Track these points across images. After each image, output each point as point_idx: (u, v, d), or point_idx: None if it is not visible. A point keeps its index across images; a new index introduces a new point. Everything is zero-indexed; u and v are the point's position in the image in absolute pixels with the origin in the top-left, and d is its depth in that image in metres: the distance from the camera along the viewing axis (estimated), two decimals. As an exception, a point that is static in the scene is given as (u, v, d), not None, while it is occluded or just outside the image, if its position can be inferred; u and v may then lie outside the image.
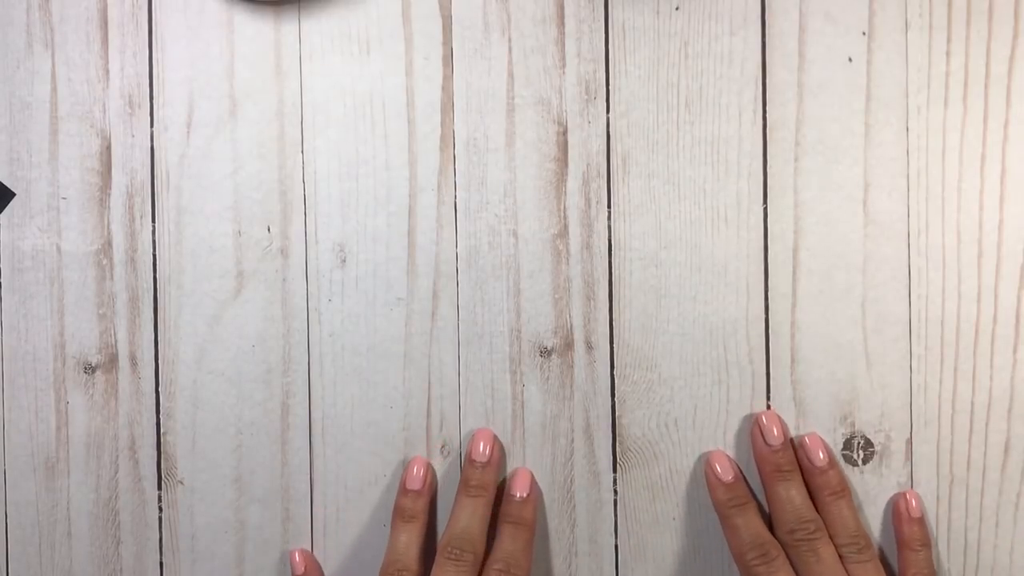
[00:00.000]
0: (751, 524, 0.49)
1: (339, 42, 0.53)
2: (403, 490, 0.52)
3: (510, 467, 0.53)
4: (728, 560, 0.52)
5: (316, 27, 0.53)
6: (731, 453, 0.52)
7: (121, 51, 0.53)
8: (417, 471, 0.52)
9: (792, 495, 0.49)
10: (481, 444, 0.52)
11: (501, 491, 0.52)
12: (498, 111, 0.53)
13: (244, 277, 0.53)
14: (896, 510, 0.51)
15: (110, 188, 0.53)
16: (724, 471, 0.51)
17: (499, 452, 0.53)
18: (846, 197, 0.52)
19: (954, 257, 0.51)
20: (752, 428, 0.51)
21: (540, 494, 0.53)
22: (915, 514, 0.50)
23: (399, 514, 0.51)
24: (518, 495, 0.51)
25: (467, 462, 0.52)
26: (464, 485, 0.51)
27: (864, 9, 0.52)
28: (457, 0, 0.53)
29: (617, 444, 0.52)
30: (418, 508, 0.51)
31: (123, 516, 0.54)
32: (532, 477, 0.52)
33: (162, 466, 0.53)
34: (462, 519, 0.50)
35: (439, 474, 0.53)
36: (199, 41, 0.53)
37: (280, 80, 0.53)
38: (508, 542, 0.50)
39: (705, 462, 0.52)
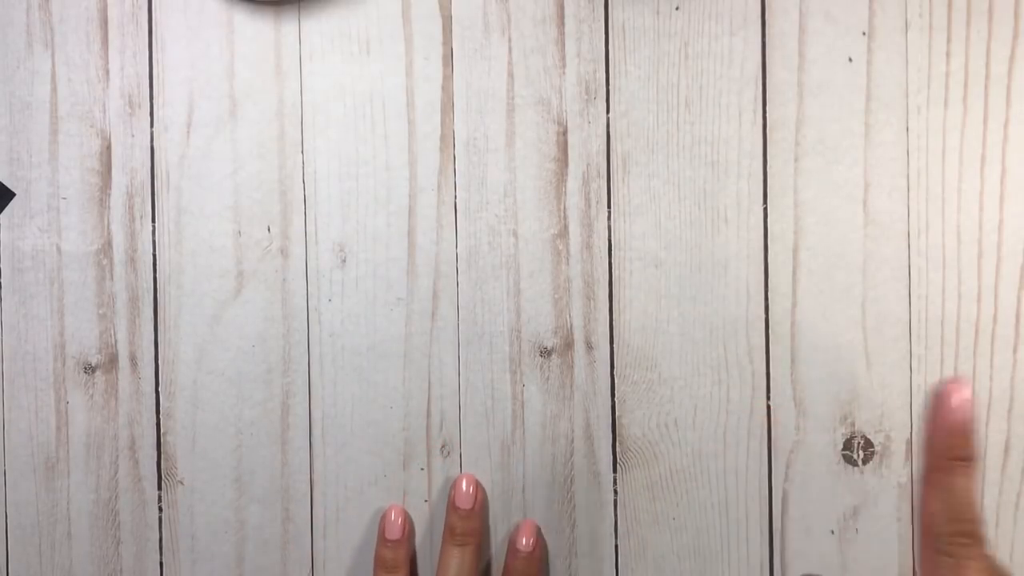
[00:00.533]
0: (971, 490, 0.39)
1: (339, 42, 0.53)
2: (382, 540, 0.51)
3: (512, 459, 0.53)
4: (728, 560, 0.52)
5: (316, 27, 0.53)
6: (728, 454, 0.52)
7: (121, 51, 0.53)
8: (395, 519, 0.51)
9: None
10: (464, 487, 0.51)
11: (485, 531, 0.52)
12: (498, 111, 0.53)
13: (244, 277, 0.53)
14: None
15: (110, 188, 0.53)
16: (961, 410, 0.40)
17: (483, 496, 0.52)
18: (846, 197, 0.52)
19: (954, 257, 0.51)
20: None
21: (545, 547, 0.52)
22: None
23: (380, 565, 0.51)
24: (523, 544, 0.51)
25: (450, 509, 0.51)
26: (450, 533, 0.51)
27: (864, 9, 0.52)
28: (457, 0, 0.53)
29: (617, 444, 0.52)
30: (399, 558, 0.51)
31: (123, 516, 0.54)
32: (538, 529, 0.52)
33: (162, 466, 0.53)
34: (451, 568, 0.50)
35: (438, 476, 0.53)
36: (199, 41, 0.53)
37: (280, 80, 0.53)
38: None
39: (935, 395, 0.40)
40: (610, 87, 0.52)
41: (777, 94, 0.52)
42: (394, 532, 0.51)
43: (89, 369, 0.53)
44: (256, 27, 0.53)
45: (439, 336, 0.53)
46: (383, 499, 0.53)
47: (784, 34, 0.52)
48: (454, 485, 0.52)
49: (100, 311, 0.53)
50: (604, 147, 0.52)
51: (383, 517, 0.52)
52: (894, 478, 0.52)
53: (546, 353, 0.53)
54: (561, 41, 0.52)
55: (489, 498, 0.53)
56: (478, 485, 0.52)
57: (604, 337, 0.52)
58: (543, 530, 0.52)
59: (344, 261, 0.53)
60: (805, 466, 0.52)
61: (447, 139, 0.53)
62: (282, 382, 0.53)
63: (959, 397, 0.40)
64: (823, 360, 0.52)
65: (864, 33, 0.52)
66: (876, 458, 0.52)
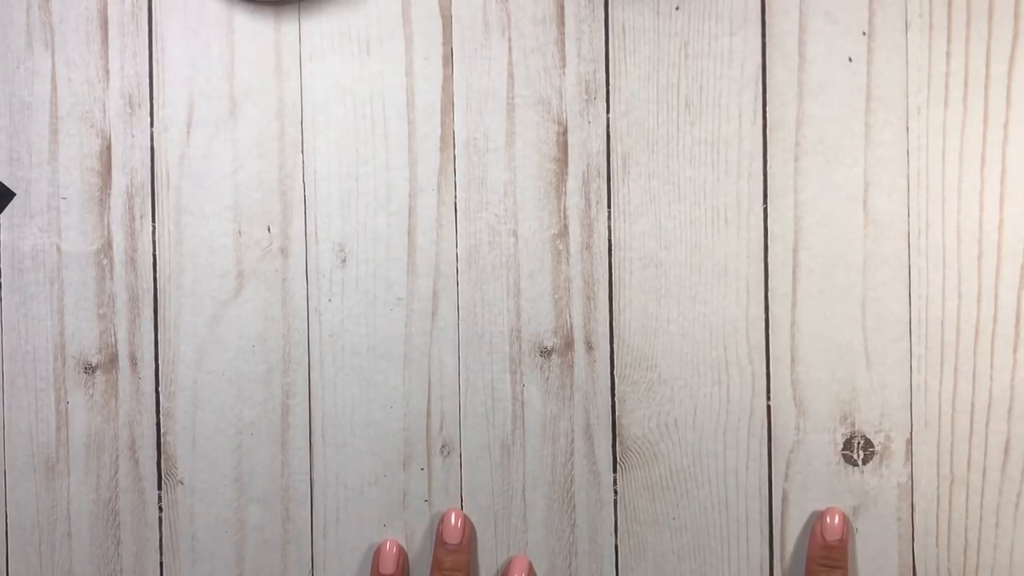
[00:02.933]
0: None
1: (339, 42, 0.53)
2: (375, 574, 0.51)
3: (512, 459, 0.53)
4: (728, 560, 0.52)
5: (316, 27, 0.53)
6: (728, 454, 0.52)
7: (121, 51, 0.53)
8: (390, 548, 0.51)
9: None
10: (453, 522, 0.51)
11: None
12: (498, 111, 0.53)
13: (244, 277, 0.53)
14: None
15: (110, 188, 0.53)
16: (831, 530, 0.50)
17: (471, 531, 0.52)
18: (846, 197, 0.52)
19: (954, 257, 0.51)
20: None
21: None
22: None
23: None
24: None
25: (438, 543, 0.51)
26: (437, 569, 0.50)
27: (864, 9, 0.52)
28: (457, 0, 0.53)
29: (617, 444, 0.52)
30: None
31: (123, 516, 0.54)
32: (530, 565, 0.51)
33: (162, 466, 0.54)
34: None
35: (437, 476, 0.53)
36: (199, 41, 0.53)
37: (280, 80, 0.53)
38: None
39: (818, 516, 0.51)
40: (610, 87, 0.52)
41: (777, 94, 0.52)
42: (388, 566, 0.51)
43: (89, 369, 0.53)
44: (256, 27, 0.53)
45: (439, 336, 0.53)
46: (383, 499, 0.53)
47: (784, 34, 0.52)
48: (442, 519, 0.51)
49: (100, 311, 0.53)
50: (604, 147, 0.52)
51: (378, 550, 0.52)
52: (894, 478, 0.52)
53: (546, 353, 0.53)
54: (561, 41, 0.52)
55: (489, 498, 0.53)
56: (466, 519, 0.52)
57: (604, 337, 0.52)
58: (544, 530, 0.52)
59: (344, 261, 0.53)
60: (805, 466, 0.52)
61: (447, 139, 0.53)
62: (282, 382, 0.53)
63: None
64: (823, 360, 0.52)
65: (864, 33, 0.52)
66: (876, 458, 0.52)
